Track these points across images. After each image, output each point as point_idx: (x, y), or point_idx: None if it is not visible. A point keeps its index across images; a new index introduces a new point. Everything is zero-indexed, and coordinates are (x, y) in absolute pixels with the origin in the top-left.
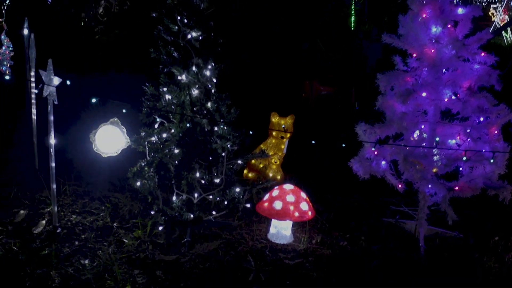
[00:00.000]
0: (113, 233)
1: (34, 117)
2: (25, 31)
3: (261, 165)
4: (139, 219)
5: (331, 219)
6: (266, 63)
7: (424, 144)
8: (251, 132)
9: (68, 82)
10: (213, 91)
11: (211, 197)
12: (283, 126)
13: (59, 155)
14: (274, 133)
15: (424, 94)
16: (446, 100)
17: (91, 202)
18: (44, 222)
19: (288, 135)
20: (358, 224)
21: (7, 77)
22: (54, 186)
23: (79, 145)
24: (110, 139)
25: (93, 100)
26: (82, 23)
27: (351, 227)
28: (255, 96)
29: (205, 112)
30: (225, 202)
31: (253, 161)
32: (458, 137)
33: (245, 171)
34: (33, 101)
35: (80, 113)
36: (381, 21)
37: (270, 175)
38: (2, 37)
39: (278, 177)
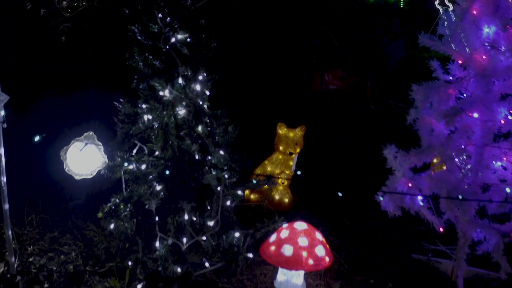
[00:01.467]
0: (84, 281)
1: None
2: None
3: (265, 186)
4: (117, 260)
5: (351, 256)
6: (269, 58)
7: (469, 174)
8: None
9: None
10: (205, 107)
11: (203, 239)
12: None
13: (24, 177)
14: (281, 148)
15: (475, 115)
16: (502, 121)
17: (61, 236)
18: (2, 265)
19: (298, 149)
20: (383, 262)
21: None
22: (10, 232)
23: (50, 166)
24: (84, 158)
25: (36, 138)
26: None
27: (375, 266)
28: (257, 98)
29: (195, 136)
30: (221, 250)
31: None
32: (505, 159)
33: (247, 192)
34: None
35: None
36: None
37: (276, 197)
38: None
39: (286, 200)
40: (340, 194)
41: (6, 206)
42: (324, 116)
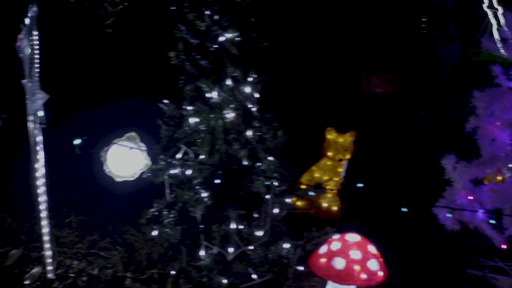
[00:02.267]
0: None
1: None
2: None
3: (314, 193)
4: (159, 267)
5: (403, 269)
6: (319, 60)
7: None
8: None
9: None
10: (254, 110)
11: (250, 249)
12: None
13: (64, 178)
14: (330, 154)
15: None
16: None
17: (101, 239)
18: (39, 269)
19: (348, 156)
20: (437, 277)
21: None
22: (48, 235)
23: (90, 167)
24: (125, 159)
25: (77, 142)
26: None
27: (429, 281)
28: (306, 101)
29: (244, 141)
30: (269, 261)
31: (303, 186)
32: None
33: (293, 199)
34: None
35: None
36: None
37: (324, 205)
38: None
39: (334, 208)
40: (404, 209)
41: (45, 209)
42: (372, 121)
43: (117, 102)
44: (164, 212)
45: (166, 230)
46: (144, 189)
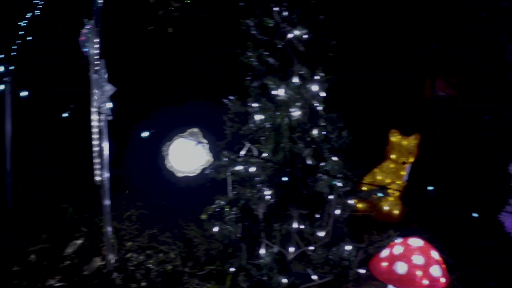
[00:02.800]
0: (182, 283)
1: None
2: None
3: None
4: (217, 264)
5: (465, 277)
6: (385, 60)
7: None
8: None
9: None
10: (320, 109)
11: (311, 249)
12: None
13: (126, 171)
14: (393, 156)
15: None
16: None
17: (161, 234)
18: (99, 260)
19: (411, 159)
20: (499, 286)
21: None
22: (109, 228)
23: (152, 161)
24: (187, 155)
25: (144, 134)
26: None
27: None
28: (371, 102)
29: (309, 139)
30: (330, 263)
31: (365, 188)
32: None
33: (354, 201)
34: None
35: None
36: None
37: (386, 208)
38: None
39: (396, 211)
40: (475, 215)
41: (107, 202)
42: (436, 125)
43: (181, 97)
44: (225, 209)
45: (227, 227)
46: (205, 185)
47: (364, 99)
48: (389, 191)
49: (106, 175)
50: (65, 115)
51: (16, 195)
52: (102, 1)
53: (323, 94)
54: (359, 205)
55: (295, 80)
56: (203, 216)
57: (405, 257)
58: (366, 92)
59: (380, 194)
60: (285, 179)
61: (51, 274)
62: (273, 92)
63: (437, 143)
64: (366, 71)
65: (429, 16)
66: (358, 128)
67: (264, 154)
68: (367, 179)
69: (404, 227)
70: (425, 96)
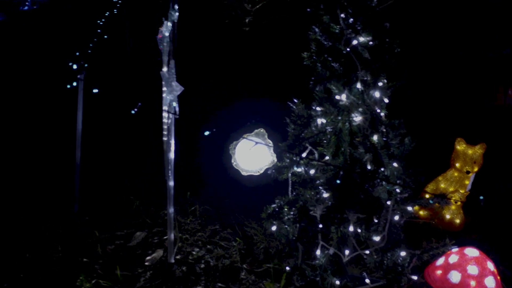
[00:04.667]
0: (240, 279)
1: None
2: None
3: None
4: (275, 262)
5: None
6: (451, 67)
7: None
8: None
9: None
10: (382, 116)
11: (366, 253)
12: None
13: (191, 168)
14: (457, 165)
15: None
16: None
17: (222, 230)
18: (161, 252)
19: (476, 168)
20: None
21: None
22: (172, 220)
23: (217, 159)
24: (252, 154)
25: (206, 133)
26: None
27: None
28: (435, 109)
29: (369, 145)
30: (384, 267)
31: (427, 195)
32: None
33: (416, 208)
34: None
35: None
36: None
37: (447, 217)
38: None
39: (457, 221)
40: None
41: (172, 196)
42: (505, 135)
43: (248, 98)
44: (284, 209)
45: (285, 226)
46: (267, 185)
47: (430, 106)
48: (452, 200)
49: (172, 170)
50: (133, 112)
51: (85, 187)
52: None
53: (386, 100)
54: (421, 212)
55: (358, 85)
56: (263, 215)
57: (460, 266)
58: (432, 99)
59: (431, 201)
60: (337, 180)
61: (116, 264)
62: (336, 97)
63: (506, 153)
64: (432, 77)
65: (501, 21)
66: (421, 135)
67: (326, 157)
68: (430, 186)
69: (464, 236)
70: (496, 104)
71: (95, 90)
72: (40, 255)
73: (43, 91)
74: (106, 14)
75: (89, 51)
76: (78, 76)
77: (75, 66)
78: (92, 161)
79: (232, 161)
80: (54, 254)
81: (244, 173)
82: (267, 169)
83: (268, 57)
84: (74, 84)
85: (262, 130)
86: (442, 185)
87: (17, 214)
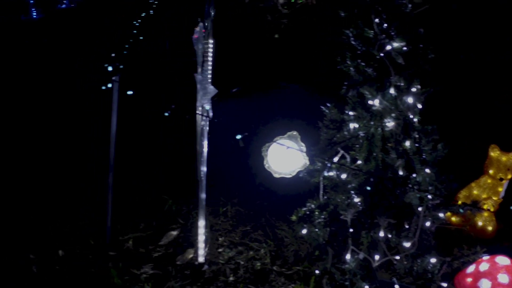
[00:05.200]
0: (269, 281)
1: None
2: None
3: (469, 211)
4: (304, 265)
5: None
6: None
7: None
8: None
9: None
10: (415, 122)
11: (396, 259)
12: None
13: (224, 169)
14: (491, 172)
15: None
16: None
17: (253, 231)
18: (192, 252)
19: (510, 175)
20: None
21: None
22: (203, 221)
23: (250, 161)
24: (285, 157)
25: (238, 137)
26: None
27: None
28: (470, 115)
29: (401, 150)
30: (413, 274)
31: (460, 202)
32: None
33: (448, 214)
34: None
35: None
36: None
37: (479, 224)
38: None
39: (490, 228)
40: None
41: (203, 196)
42: None
43: (281, 101)
44: (315, 212)
45: (315, 230)
46: (299, 188)
47: (464, 111)
48: (484, 206)
49: (204, 170)
50: (166, 114)
51: (119, 186)
52: (213, 5)
53: (419, 106)
54: (453, 218)
55: (391, 91)
56: (293, 218)
57: (490, 274)
58: (466, 105)
59: (461, 210)
60: (368, 185)
61: (146, 262)
62: (369, 102)
63: None
64: (467, 83)
65: None
66: (455, 142)
67: (358, 162)
68: (463, 192)
69: (496, 244)
70: None
71: (130, 92)
72: (73, 251)
73: (77, 90)
74: (142, 15)
75: (125, 52)
76: (113, 78)
77: (110, 68)
78: (127, 160)
79: (264, 163)
80: (87, 249)
81: (276, 175)
82: (299, 172)
83: (302, 60)
84: (109, 85)
85: (295, 132)
86: (475, 192)
87: (53, 210)
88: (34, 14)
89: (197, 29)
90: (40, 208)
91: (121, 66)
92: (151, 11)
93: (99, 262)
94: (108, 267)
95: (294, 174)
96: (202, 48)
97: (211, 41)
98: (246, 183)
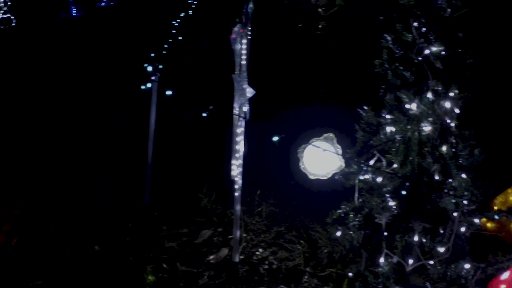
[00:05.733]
0: (302, 282)
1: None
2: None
3: (504, 217)
4: (338, 267)
5: None
6: None
7: None
8: None
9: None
10: (452, 126)
11: (430, 263)
12: None
13: (261, 170)
14: None
15: None
16: None
17: (287, 232)
18: (226, 250)
19: None
20: None
21: None
22: (238, 220)
23: (286, 162)
24: (320, 158)
25: (275, 139)
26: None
27: None
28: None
29: (437, 155)
30: (447, 279)
31: (496, 208)
32: None
33: (483, 220)
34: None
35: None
36: None
37: None
38: None
39: None
40: None
41: (239, 196)
42: None
43: (317, 102)
44: (350, 215)
45: (349, 232)
46: (334, 190)
47: (501, 117)
48: None
49: (240, 171)
50: (204, 114)
51: (156, 183)
52: (252, 5)
53: (457, 111)
54: (488, 224)
55: (429, 95)
56: (328, 220)
57: None
58: (504, 109)
59: (496, 216)
60: (403, 189)
61: (181, 259)
62: (406, 106)
63: None
64: (505, 88)
65: None
66: (492, 147)
67: (394, 166)
68: (499, 198)
69: None
70: None
71: (169, 92)
72: (110, 246)
73: (118, 89)
74: (181, 15)
75: (164, 52)
76: (152, 78)
77: (150, 68)
78: (165, 159)
79: (300, 164)
80: (123, 245)
81: (311, 177)
82: (334, 174)
83: (339, 62)
84: (149, 85)
85: (331, 134)
86: (511, 198)
87: (93, 207)
88: (74, 12)
89: (236, 29)
90: (80, 205)
91: (160, 66)
92: (190, 11)
93: (135, 259)
94: (143, 264)
95: (329, 176)
96: (240, 48)
97: (248, 41)
98: (281, 184)
